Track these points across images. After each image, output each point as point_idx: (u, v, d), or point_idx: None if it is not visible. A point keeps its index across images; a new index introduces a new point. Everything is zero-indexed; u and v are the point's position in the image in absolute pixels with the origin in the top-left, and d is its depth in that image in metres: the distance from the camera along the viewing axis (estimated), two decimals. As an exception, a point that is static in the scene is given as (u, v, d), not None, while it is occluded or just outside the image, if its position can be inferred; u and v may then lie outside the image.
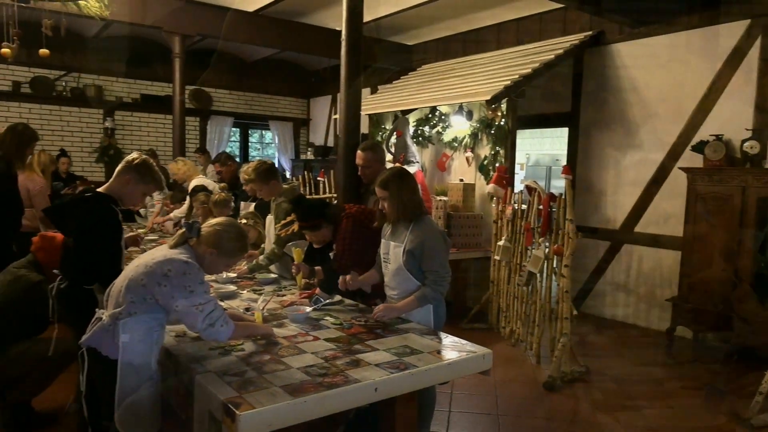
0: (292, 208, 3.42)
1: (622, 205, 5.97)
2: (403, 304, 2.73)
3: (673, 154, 5.54)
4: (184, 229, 2.24)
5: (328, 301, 3.07)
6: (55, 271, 2.75)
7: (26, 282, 3.12)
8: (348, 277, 2.92)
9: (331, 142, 10.68)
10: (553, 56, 5.79)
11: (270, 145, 11.66)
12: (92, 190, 2.68)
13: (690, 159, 5.33)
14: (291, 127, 11.17)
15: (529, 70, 5.61)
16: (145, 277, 2.08)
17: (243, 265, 3.75)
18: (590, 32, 6.08)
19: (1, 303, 3.08)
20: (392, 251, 2.80)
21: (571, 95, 6.36)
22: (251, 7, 7.10)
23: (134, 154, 2.75)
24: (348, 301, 3.15)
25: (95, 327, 2.14)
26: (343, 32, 4.22)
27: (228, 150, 10.41)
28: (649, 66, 5.70)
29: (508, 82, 5.44)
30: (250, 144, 11.49)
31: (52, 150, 8.14)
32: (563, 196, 4.29)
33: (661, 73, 5.61)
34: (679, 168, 5.31)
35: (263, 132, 11.62)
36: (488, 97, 5.32)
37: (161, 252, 2.19)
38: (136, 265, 2.15)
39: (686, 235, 5.13)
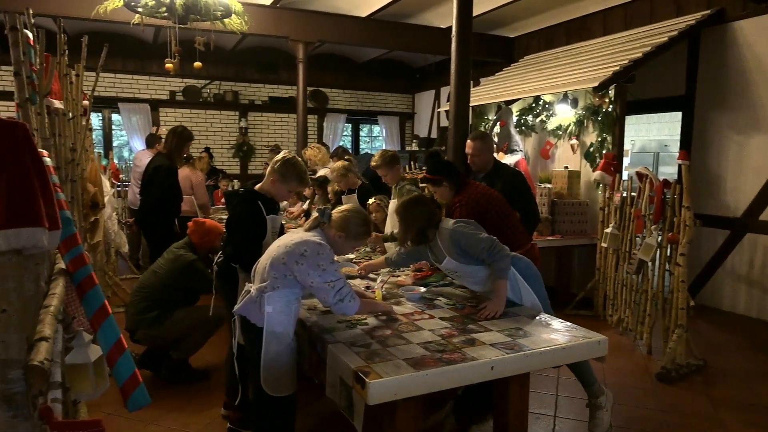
0: (425, 159, 3.54)
1: (745, 191, 5.34)
2: (497, 294, 2.59)
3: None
4: (317, 215, 2.36)
5: (440, 282, 3.11)
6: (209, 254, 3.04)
7: (183, 260, 3.56)
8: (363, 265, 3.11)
9: (434, 134, 10.67)
10: (666, 38, 5.36)
11: (378, 138, 11.85)
12: (249, 186, 2.89)
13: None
14: (397, 121, 11.30)
15: (640, 55, 5.26)
16: (285, 257, 2.21)
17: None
18: (708, 11, 5.55)
19: (164, 277, 3.55)
20: (451, 266, 2.72)
21: (685, 78, 5.84)
22: (363, 13, 7.27)
23: (279, 156, 2.87)
24: (458, 283, 3.14)
25: (245, 298, 2.31)
26: (454, 28, 4.20)
27: (341, 143, 10.71)
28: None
29: (617, 68, 5.14)
30: (360, 138, 11.75)
31: (199, 147, 8.87)
32: (678, 183, 4.00)
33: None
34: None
35: (372, 126, 11.83)
36: (596, 84, 5.06)
37: (299, 235, 2.32)
38: (277, 245, 2.30)
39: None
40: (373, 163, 4.18)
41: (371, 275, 3.33)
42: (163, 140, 7.04)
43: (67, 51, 3.43)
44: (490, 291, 2.69)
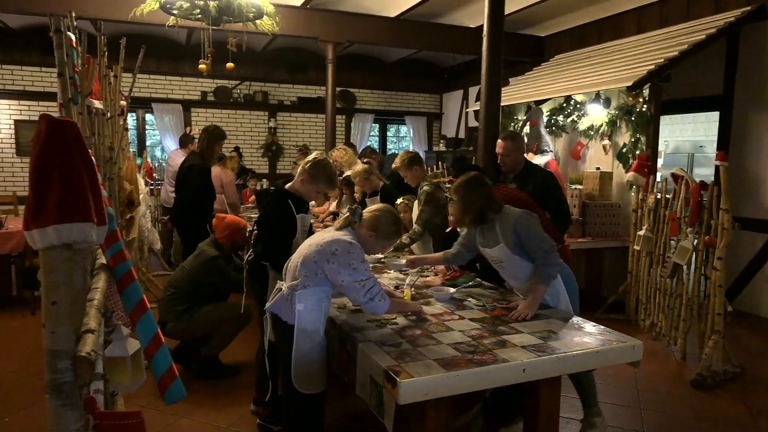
0: (452, 164, 3.56)
1: (786, 194, 5.16)
2: (534, 296, 2.57)
3: None
4: (348, 214, 2.38)
5: (470, 283, 3.11)
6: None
7: (205, 256, 3.65)
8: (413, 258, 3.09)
9: (462, 134, 10.63)
10: (704, 36, 5.23)
11: (405, 139, 11.85)
12: (280, 185, 2.93)
13: None
14: (425, 121, 11.29)
15: (676, 53, 5.15)
16: (316, 255, 2.24)
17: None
18: (748, 7, 5.39)
19: (190, 272, 3.65)
20: (497, 254, 2.69)
21: (723, 76, 5.69)
22: (393, 13, 7.29)
23: (310, 156, 2.91)
24: (488, 284, 3.14)
25: (276, 296, 2.35)
26: (485, 27, 4.18)
27: (368, 144, 10.75)
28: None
29: (652, 67, 5.05)
30: (387, 138, 11.77)
31: (229, 147, 9.01)
32: (715, 184, 3.91)
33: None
34: None
35: (399, 126, 11.85)
36: (630, 83, 4.98)
37: (329, 233, 2.35)
38: (308, 244, 2.33)
39: None
40: (394, 165, 4.28)
41: (400, 275, 3.35)
42: (195, 140, 7.20)
43: (106, 52, 3.52)
44: (526, 290, 2.69)
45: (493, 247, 2.69)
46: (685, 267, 4.21)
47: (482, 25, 4.29)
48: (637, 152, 5.29)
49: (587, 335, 2.30)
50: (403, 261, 3.34)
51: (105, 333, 1.53)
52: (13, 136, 8.56)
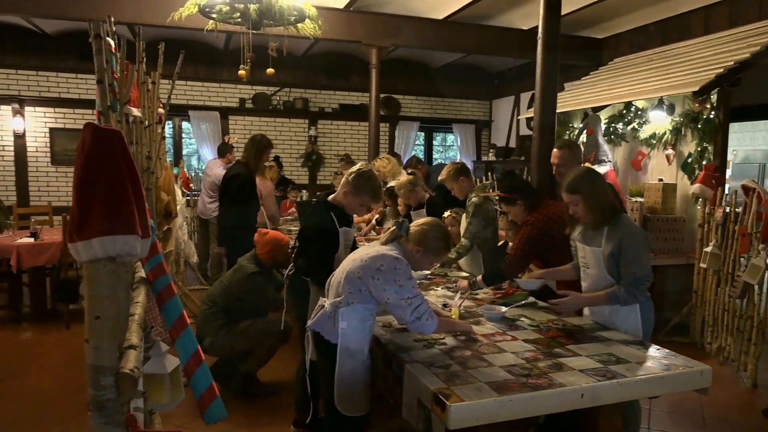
0: (500, 178, 3.55)
1: None
2: (590, 296, 2.60)
3: None
4: (394, 228, 2.37)
5: (524, 301, 3.07)
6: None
7: (243, 272, 3.68)
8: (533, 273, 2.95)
9: (513, 143, 10.51)
10: (778, 37, 5.07)
11: (452, 148, 11.80)
12: (322, 196, 2.95)
13: None
14: (473, 130, 11.20)
15: (747, 55, 4.97)
16: (360, 271, 2.24)
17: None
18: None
19: (228, 287, 3.69)
20: (590, 256, 2.65)
21: (801, 80, 5.50)
22: (441, 15, 7.28)
23: (354, 167, 2.91)
24: (542, 303, 3.09)
25: (318, 313, 2.35)
26: (540, 29, 4.16)
27: (413, 153, 10.74)
28: None
29: (721, 70, 4.89)
30: (433, 147, 11.74)
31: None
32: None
33: None
34: None
35: (446, 135, 11.80)
36: (696, 88, 4.84)
37: (375, 248, 2.34)
38: (353, 259, 2.33)
39: None
40: (440, 177, 4.28)
41: (449, 292, 3.32)
42: (234, 149, 7.34)
43: (144, 58, 3.62)
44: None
45: (590, 246, 2.64)
46: (756, 286, 4.06)
47: (536, 27, 4.25)
48: (704, 162, 5.13)
49: (651, 359, 2.24)
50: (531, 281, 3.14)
51: (144, 349, 1.57)
52: (48, 145, 8.76)
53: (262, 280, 3.66)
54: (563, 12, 4.45)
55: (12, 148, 8.56)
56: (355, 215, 3.12)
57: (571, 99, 6.80)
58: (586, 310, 2.80)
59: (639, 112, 6.09)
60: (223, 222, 4.80)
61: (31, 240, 5.45)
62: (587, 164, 5.79)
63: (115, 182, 1.10)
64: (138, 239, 1.10)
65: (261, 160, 4.76)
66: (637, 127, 6.12)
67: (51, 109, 8.74)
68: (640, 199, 5.43)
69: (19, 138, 8.54)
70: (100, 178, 1.09)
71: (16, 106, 8.43)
